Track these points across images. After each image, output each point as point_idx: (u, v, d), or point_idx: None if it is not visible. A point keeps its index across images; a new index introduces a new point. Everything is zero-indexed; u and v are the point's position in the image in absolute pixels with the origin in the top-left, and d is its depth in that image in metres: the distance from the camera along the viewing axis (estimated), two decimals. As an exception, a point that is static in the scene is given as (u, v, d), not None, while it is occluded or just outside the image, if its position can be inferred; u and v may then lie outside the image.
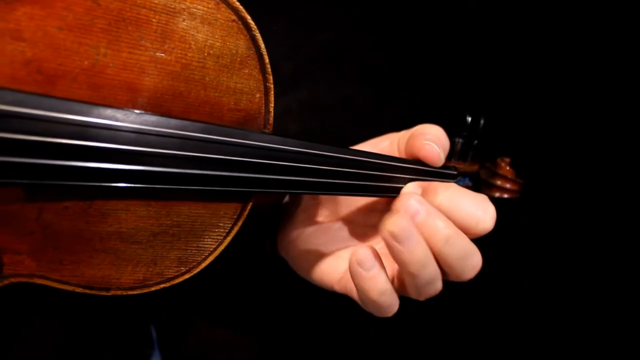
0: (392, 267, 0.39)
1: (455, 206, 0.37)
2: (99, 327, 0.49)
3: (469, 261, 0.36)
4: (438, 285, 0.37)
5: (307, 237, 0.47)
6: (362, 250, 0.36)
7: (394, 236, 0.34)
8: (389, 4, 0.89)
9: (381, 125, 0.52)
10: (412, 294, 0.38)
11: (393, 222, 0.34)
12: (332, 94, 0.86)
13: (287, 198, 0.54)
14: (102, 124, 0.30)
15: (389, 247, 0.35)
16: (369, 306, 0.38)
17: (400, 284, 0.39)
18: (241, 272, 0.57)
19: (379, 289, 0.36)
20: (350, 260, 0.37)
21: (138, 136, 0.31)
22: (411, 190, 0.41)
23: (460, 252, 0.36)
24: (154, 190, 0.34)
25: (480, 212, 0.37)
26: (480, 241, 0.39)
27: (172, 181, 0.33)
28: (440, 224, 0.35)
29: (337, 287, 0.43)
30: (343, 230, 0.48)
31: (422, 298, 0.38)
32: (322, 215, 0.48)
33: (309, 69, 0.84)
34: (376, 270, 0.36)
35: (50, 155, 0.28)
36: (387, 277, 0.37)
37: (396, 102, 0.89)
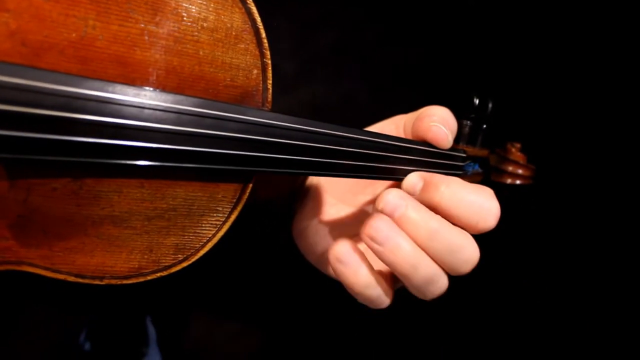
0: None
1: (457, 202, 0.35)
2: (94, 323, 0.47)
3: (461, 255, 0.34)
4: (441, 284, 0.35)
5: (315, 225, 0.46)
6: (339, 246, 0.36)
7: (373, 239, 0.34)
8: (389, 3, 0.89)
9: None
10: (414, 292, 0.36)
11: (370, 225, 0.34)
12: (332, 93, 0.85)
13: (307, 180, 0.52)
14: (91, 96, 0.28)
15: (373, 250, 0.34)
16: (358, 298, 0.37)
17: (394, 279, 0.38)
18: (244, 268, 0.55)
19: (362, 282, 0.35)
20: (329, 256, 0.36)
21: (130, 109, 0.30)
22: (413, 180, 0.39)
23: (449, 246, 0.34)
24: (146, 168, 0.32)
25: (483, 209, 0.35)
26: (495, 230, 0.37)
27: (165, 158, 0.31)
28: (421, 217, 0.34)
29: None
30: (351, 217, 0.46)
31: (426, 298, 0.36)
32: (330, 202, 0.47)
33: (310, 69, 0.83)
34: (355, 264, 0.35)
35: (33, 127, 0.27)
36: (370, 270, 0.36)
37: (397, 100, 0.88)
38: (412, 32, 0.92)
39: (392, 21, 0.90)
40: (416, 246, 0.34)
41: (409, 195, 0.36)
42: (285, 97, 0.81)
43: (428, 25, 0.92)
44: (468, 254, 0.34)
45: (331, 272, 0.43)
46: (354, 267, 0.35)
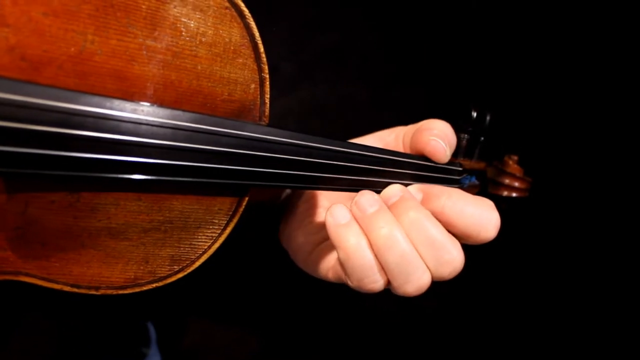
0: None
1: (458, 213, 0.36)
2: (95, 325, 0.48)
3: (442, 253, 0.34)
4: (419, 275, 0.34)
5: (306, 227, 0.46)
6: (336, 205, 0.37)
7: (356, 203, 0.36)
8: (389, 4, 0.88)
9: (381, 125, 0.51)
10: (393, 282, 0.35)
11: (358, 194, 0.37)
12: (332, 94, 0.85)
13: (288, 190, 0.53)
14: (89, 112, 0.28)
15: (355, 217, 0.36)
16: (349, 270, 0.36)
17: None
18: (242, 269, 0.55)
19: (353, 242, 0.35)
20: (326, 215, 0.37)
21: (127, 125, 0.30)
22: (412, 193, 0.39)
23: (431, 240, 0.34)
24: (142, 182, 0.32)
25: (484, 220, 0.36)
26: (491, 242, 0.37)
27: (161, 172, 0.31)
28: (410, 204, 0.36)
29: (331, 274, 0.42)
30: None
31: (406, 291, 0.35)
32: (323, 206, 0.47)
33: (309, 70, 0.83)
34: (348, 219, 0.36)
35: (31, 143, 0.27)
36: (362, 233, 0.36)
37: (396, 101, 0.88)
38: (412, 33, 0.92)
39: (391, 22, 0.90)
40: (397, 223, 0.35)
41: (405, 188, 0.38)
42: (285, 98, 0.81)
43: (428, 26, 0.92)
44: (450, 256, 0.34)
45: (320, 273, 0.43)
46: (347, 222, 0.36)
